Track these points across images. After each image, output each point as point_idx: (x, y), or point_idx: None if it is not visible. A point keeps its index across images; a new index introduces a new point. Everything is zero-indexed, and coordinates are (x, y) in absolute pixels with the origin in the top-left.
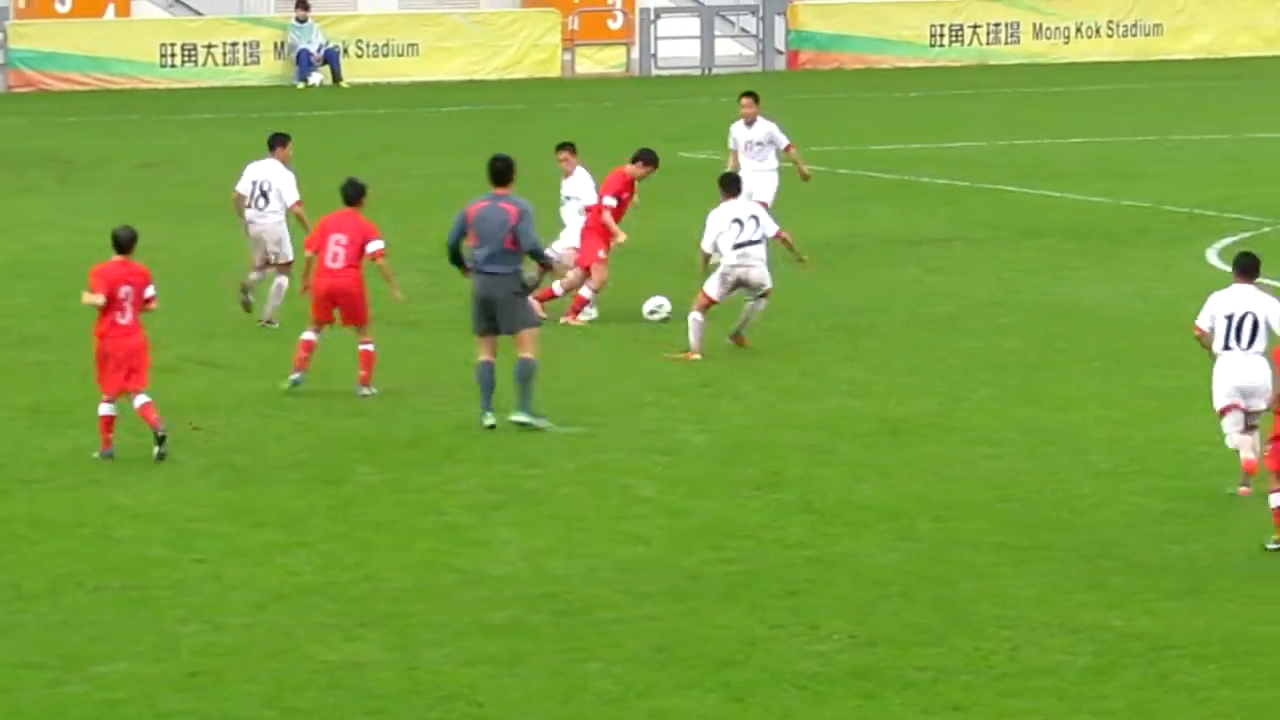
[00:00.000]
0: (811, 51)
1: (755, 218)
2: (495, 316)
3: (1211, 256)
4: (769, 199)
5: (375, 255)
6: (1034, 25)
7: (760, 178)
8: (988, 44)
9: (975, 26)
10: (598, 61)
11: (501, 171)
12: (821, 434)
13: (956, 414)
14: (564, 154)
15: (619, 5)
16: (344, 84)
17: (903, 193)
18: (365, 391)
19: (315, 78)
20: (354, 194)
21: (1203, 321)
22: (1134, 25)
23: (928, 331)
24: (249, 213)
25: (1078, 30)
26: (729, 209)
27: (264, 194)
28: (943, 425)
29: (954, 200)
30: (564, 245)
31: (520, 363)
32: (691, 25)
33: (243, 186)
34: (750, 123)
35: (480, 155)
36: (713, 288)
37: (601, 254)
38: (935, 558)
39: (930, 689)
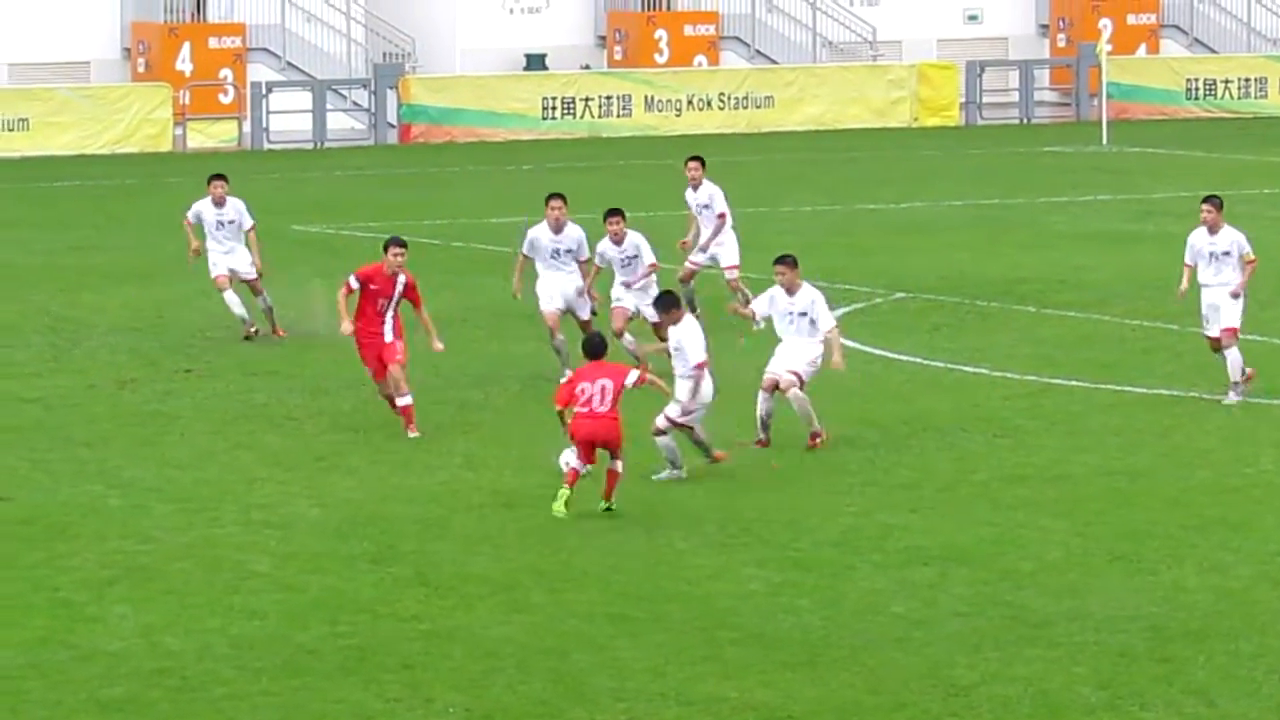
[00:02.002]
0: (424, 125)
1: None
2: None
3: None
4: (735, 260)
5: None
6: (645, 98)
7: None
8: (600, 117)
9: (587, 99)
10: (210, 135)
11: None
12: (435, 507)
13: (581, 484)
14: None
15: (230, 80)
16: None
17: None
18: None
19: None
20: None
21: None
22: (745, 97)
23: (541, 404)
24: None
25: (689, 103)
26: None
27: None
28: (554, 496)
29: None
30: None
31: None
32: (303, 99)
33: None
34: (696, 186)
35: (94, 229)
36: None
37: None
38: (550, 629)
39: None
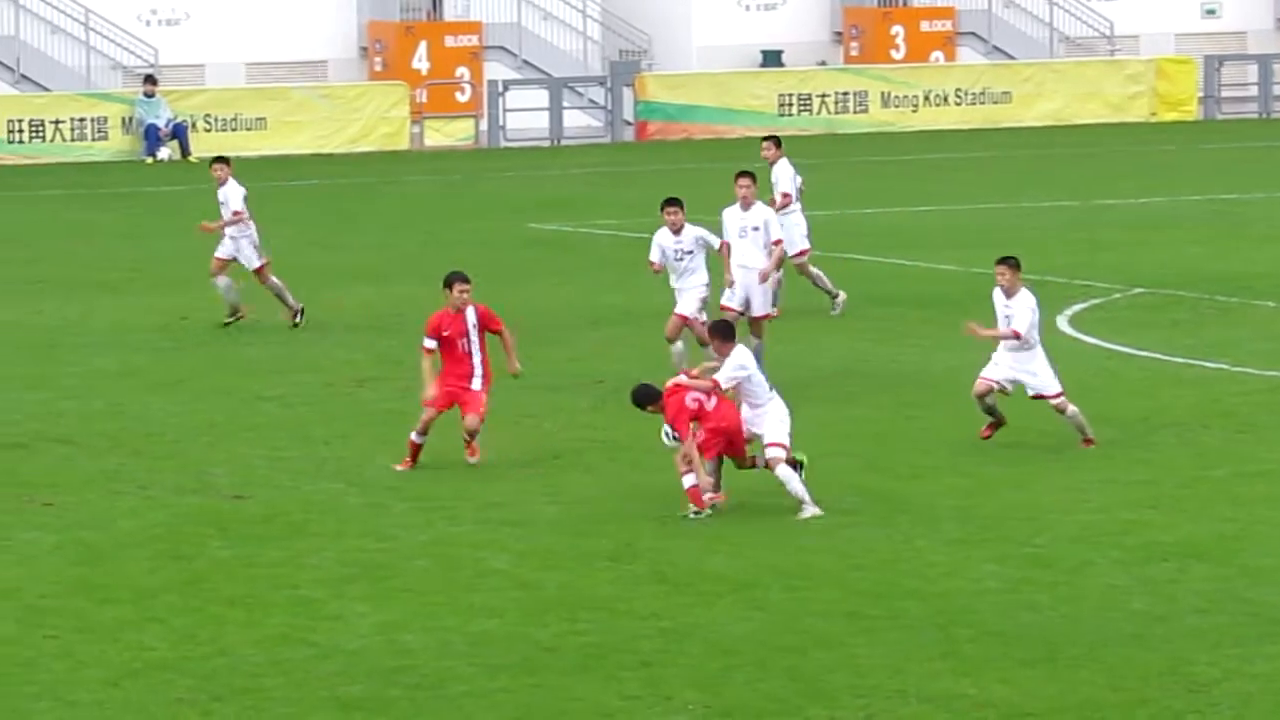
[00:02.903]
0: (660, 122)
1: None
2: None
3: (1062, 323)
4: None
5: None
6: (882, 94)
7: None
8: (836, 113)
9: (823, 96)
10: (446, 134)
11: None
12: (672, 505)
13: (811, 483)
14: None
15: (467, 78)
16: (192, 158)
17: None
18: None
19: (163, 152)
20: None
21: None
22: (982, 93)
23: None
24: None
25: (925, 99)
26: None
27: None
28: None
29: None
30: None
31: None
32: (540, 97)
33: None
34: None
35: (332, 228)
36: None
37: None
38: (787, 627)
39: None
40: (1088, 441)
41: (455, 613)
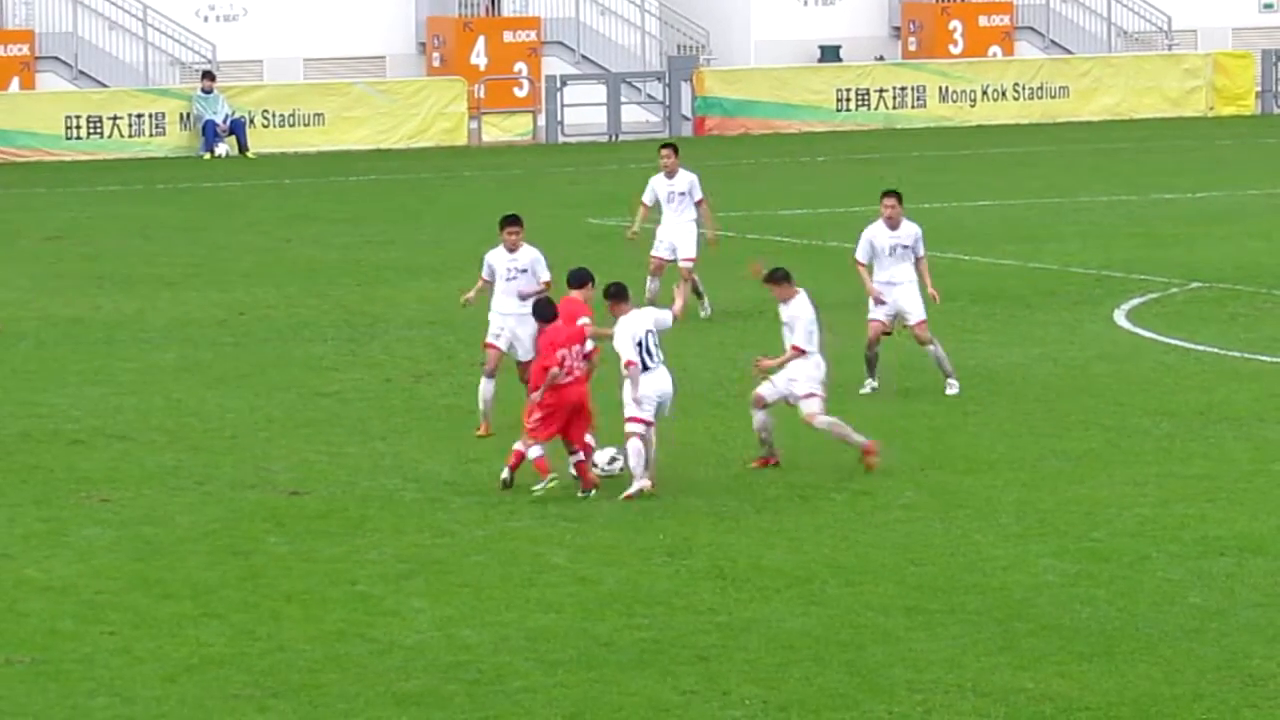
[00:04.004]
0: (718, 117)
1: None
2: None
3: (1119, 318)
4: (693, 251)
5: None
6: (940, 89)
7: (682, 229)
8: (894, 108)
9: (881, 91)
10: (505, 129)
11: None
12: (729, 499)
13: (865, 478)
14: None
15: (525, 73)
16: (250, 154)
17: (811, 257)
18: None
19: (221, 148)
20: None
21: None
22: (1040, 88)
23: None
24: None
25: (984, 93)
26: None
27: None
28: (852, 489)
29: None
30: None
31: None
32: (598, 92)
33: None
34: (671, 174)
35: (390, 224)
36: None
37: None
38: (845, 622)
39: None
40: (867, 453)
41: (513, 608)
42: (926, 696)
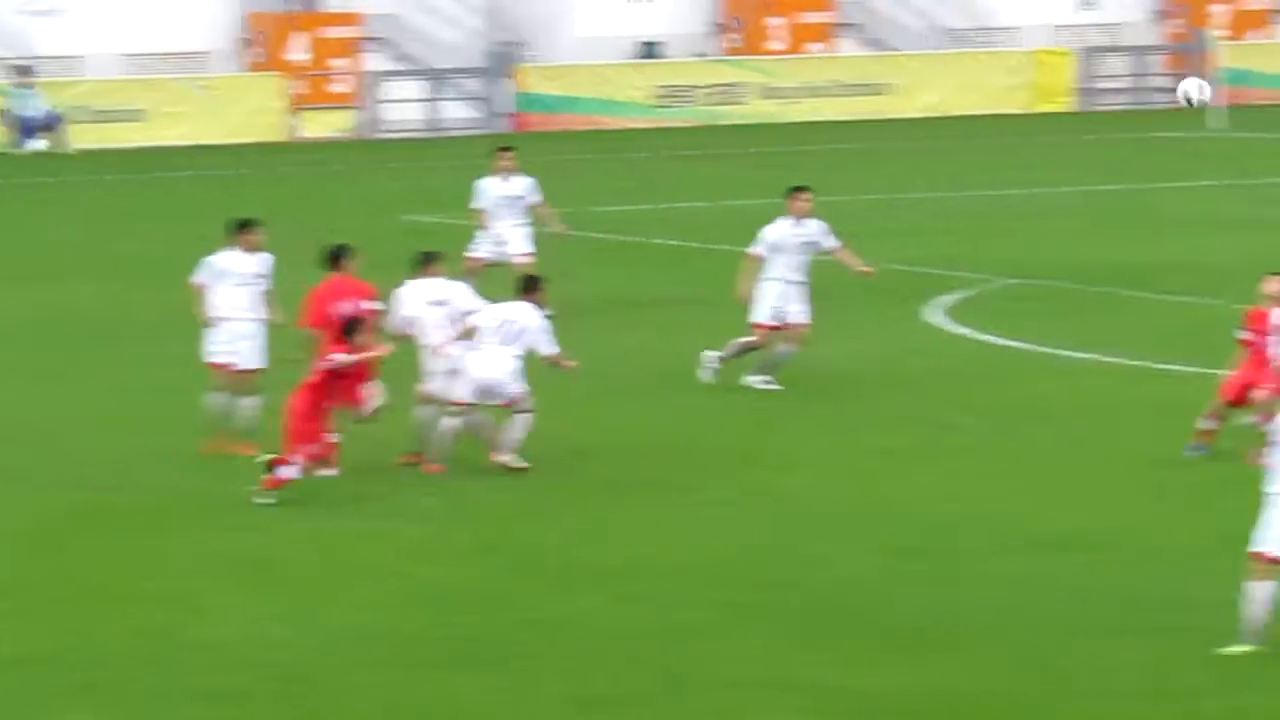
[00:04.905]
0: (539, 114)
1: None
2: None
3: (938, 314)
4: (529, 246)
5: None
6: (761, 86)
7: (513, 231)
8: (715, 104)
9: (703, 87)
10: (324, 125)
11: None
12: (542, 496)
13: (681, 473)
14: None
15: (345, 69)
16: (70, 150)
17: (630, 254)
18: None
19: (38, 144)
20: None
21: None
22: (862, 85)
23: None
24: None
25: (805, 90)
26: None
27: None
28: (667, 485)
29: (684, 262)
30: None
31: None
32: (418, 88)
33: None
34: (508, 177)
35: (209, 220)
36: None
37: None
38: (657, 619)
39: None
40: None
41: (326, 605)
42: (738, 693)
